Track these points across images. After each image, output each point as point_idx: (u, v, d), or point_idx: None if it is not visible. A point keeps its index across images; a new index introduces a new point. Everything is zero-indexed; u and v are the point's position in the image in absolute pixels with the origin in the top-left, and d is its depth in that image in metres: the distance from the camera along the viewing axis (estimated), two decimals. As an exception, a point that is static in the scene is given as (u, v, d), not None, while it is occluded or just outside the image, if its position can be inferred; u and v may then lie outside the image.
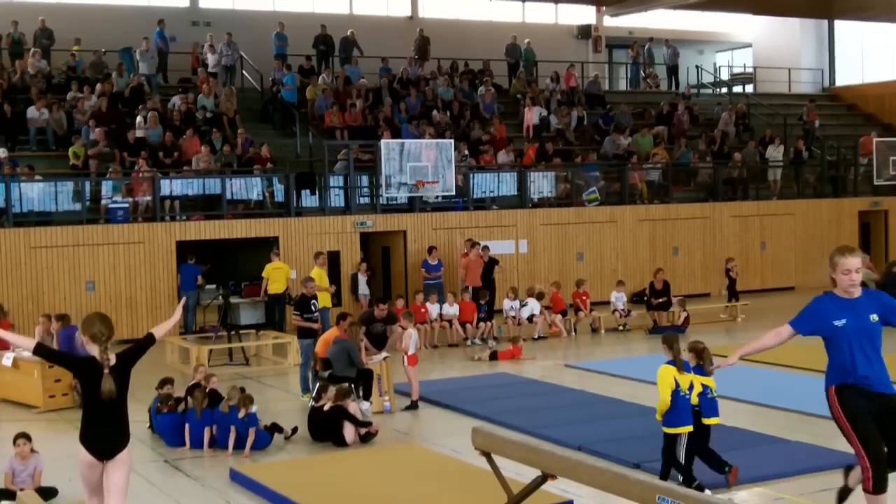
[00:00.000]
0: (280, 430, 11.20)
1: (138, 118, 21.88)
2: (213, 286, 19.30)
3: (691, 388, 8.56)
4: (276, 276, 18.34)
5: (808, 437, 10.63)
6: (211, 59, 25.35)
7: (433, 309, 18.32)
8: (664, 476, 8.57)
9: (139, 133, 21.42)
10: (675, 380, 8.49)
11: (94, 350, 6.43)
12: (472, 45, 29.52)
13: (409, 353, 12.76)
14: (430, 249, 20.13)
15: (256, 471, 9.87)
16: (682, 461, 8.64)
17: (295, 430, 11.37)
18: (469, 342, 18.07)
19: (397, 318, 16.08)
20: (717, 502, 5.88)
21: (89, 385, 6.40)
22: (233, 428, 10.73)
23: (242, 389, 11.32)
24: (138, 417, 12.10)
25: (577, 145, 25.97)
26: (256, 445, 10.77)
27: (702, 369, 8.75)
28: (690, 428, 8.56)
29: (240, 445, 10.72)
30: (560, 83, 28.54)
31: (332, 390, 11.28)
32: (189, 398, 11.41)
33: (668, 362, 8.65)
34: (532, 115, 25.97)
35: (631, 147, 25.89)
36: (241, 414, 10.77)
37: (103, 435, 6.46)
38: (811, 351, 16.32)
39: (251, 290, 19.01)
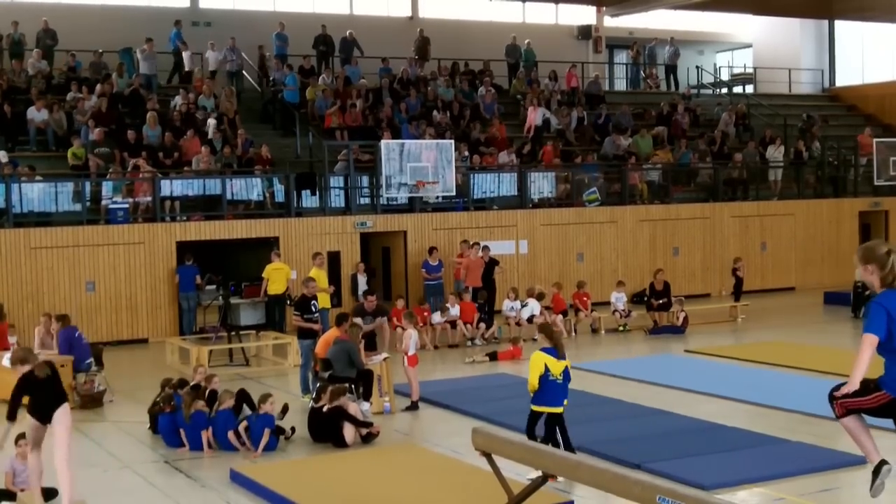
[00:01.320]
0: (282, 431, 11.19)
1: (210, 121, 22.06)
2: (213, 287, 19.29)
3: (565, 373, 9.42)
4: (277, 277, 18.32)
5: (808, 437, 10.62)
6: (202, 60, 25.46)
7: (436, 315, 18.31)
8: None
9: (210, 134, 21.70)
10: (546, 365, 9.31)
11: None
12: (473, 45, 29.50)
13: (409, 353, 12.76)
14: (431, 250, 20.12)
15: (256, 471, 9.86)
16: (543, 434, 9.44)
17: (293, 430, 11.36)
18: (470, 343, 18.08)
19: (387, 311, 16.10)
20: (717, 502, 5.87)
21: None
22: (244, 425, 10.80)
23: (241, 391, 11.33)
24: (139, 418, 12.15)
25: (577, 146, 25.96)
26: (265, 448, 10.76)
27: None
28: (560, 409, 9.44)
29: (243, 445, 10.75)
30: (558, 83, 28.52)
31: (329, 391, 11.27)
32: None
33: (543, 349, 9.44)
34: (536, 116, 25.85)
35: (631, 147, 25.87)
36: (265, 409, 10.83)
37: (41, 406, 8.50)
38: (811, 351, 16.40)
39: (251, 290, 18.96)
